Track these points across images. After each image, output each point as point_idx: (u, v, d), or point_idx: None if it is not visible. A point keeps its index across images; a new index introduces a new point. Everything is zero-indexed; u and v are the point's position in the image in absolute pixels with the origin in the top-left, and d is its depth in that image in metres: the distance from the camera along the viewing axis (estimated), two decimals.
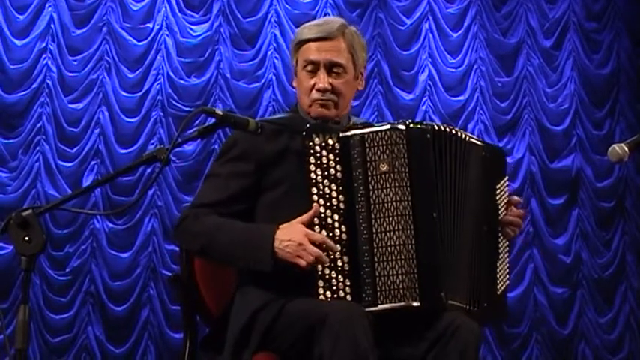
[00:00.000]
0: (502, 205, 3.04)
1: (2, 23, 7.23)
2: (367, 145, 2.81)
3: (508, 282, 3.04)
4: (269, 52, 7.66)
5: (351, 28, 3.05)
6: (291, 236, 2.72)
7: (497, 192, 3.03)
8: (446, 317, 2.76)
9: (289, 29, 7.67)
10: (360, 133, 2.83)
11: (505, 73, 8.10)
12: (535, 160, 7.99)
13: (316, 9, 7.77)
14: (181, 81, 7.49)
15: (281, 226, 2.77)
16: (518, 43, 8.15)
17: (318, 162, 2.81)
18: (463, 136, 2.94)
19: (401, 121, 2.88)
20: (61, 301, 7.02)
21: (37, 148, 7.18)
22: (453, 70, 7.99)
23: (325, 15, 7.70)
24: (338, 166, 2.81)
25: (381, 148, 2.81)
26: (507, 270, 3.04)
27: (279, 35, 7.69)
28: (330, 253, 2.74)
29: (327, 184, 2.80)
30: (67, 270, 7.07)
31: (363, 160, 2.81)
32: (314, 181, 2.80)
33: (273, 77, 7.62)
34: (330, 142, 2.83)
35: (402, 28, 7.95)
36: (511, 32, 8.18)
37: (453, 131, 2.92)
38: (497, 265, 2.99)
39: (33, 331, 6.79)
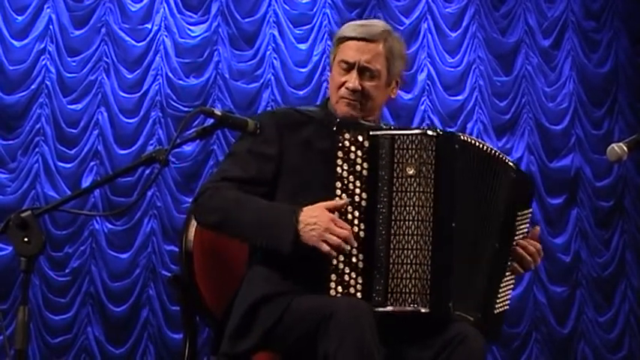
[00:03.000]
0: (520, 234, 3.02)
1: (1, 24, 7.23)
2: (396, 147, 2.79)
3: (507, 307, 3.01)
4: (268, 53, 7.66)
5: (394, 34, 3.05)
6: (318, 220, 2.70)
7: (519, 219, 3.01)
8: (454, 327, 2.76)
9: (288, 29, 7.68)
10: (391, 134, 2.82)
11: (504, 72, 8.10)
12: (534, 160, 7.99)
13: (315, 9, 7.77)
14: (180, 81, 7.49)
15: (305, 208, 2.74)
16: (516, 43, 8.15)
17: (346, 157, 2.79)
18: (493, 152, 2.94)
19: (431, 127, 2.89)
20: (60, 301, 7.02)
21: (36, 149, 7.18)
22: (452, 69, 8.00)
23: (323, 15, 7.71)
24: (365, 164, 2.80)
25: (409, 151, 2.79)
26: (509, 294, 3.01)
27: (278, 35, 7.70)
28: (348, 247, 2.73)
29: (352, 180, 2.79)
30: (67, 271, 7.07)
31: (390, 161, 2.79)
32: (339, 175, 2.78)
33: (272, 77, 7.62)
34: (360, 138, 2.81)
35: (401, 27, 7.95)
36: (510, 31, 8.18)
37: (485, 147, 2.92)
38: (501, 285, 2.97)
39: (32, 332, 6.79)
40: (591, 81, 8.23)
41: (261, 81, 7.61)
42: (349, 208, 2.77)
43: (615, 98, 8.26)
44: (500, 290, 2.97)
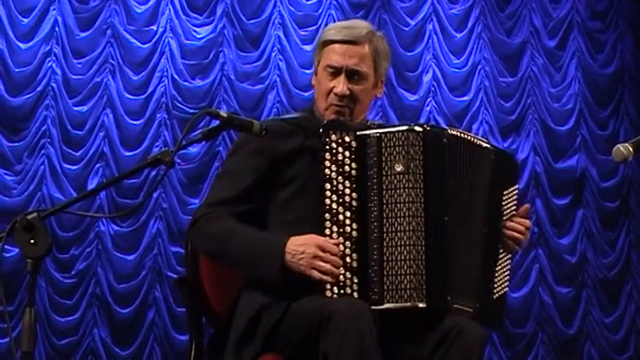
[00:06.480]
0: (509, 212, 3.01)
1: (7, 26, 7.24)
2: (383, 145, 2.80)
3: (507, 289, 3.00)
4: (273, 54, 7.67)
5: (378, 34, 3.03)
6: (305, 248, 2.73)
7: (505, 198, 3.00)
8: (450, 320, 2.75)
9: (293, 31, 7.68)
10: (377, 133, 2.82)
11: (509, 73, 8.10)
12: (540, 160, 7.99)
13: (320, 10, 7.78)
14: (186, 83, 7.50)
15: (292, 238, 2.76)
16: (522, 43, 8.15)
17: (334, 158, 2.80)
18: (475, 140, 2.93)
19: (418, 123, 2.88)
20: (66, 303, 7.03)
21: (42, 151, 7.19)
22: (457, 70, 7.99)
23: (328, 16, 7.71)
24: (353, 164, 2.81)
25: (397, 148, 2.79)
26: (507, 277, 3.00)
27: (283, 37, 7.70)
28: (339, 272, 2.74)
29: (341, 180, 2.80)
30: (73, 273, 7.08)
31: (378, 159, 2.80)
32: (328, 176, 2.79)
33: (278, 79, 7.63)
34: (347, 139, 2.82)
35: (406, 29, 7.95)
36: (515, 32, 8.17)
37: (467, 136, 2.92)
38: (496, 269, 2.96)
39: (39, 334, 6.79)
40: (597, 81, 8.22)
41: (267, 82, 7.62)
42: (340, 209, 2.78)
43: (621, 99, 8.25)
44: (497, 274, 2.96)
